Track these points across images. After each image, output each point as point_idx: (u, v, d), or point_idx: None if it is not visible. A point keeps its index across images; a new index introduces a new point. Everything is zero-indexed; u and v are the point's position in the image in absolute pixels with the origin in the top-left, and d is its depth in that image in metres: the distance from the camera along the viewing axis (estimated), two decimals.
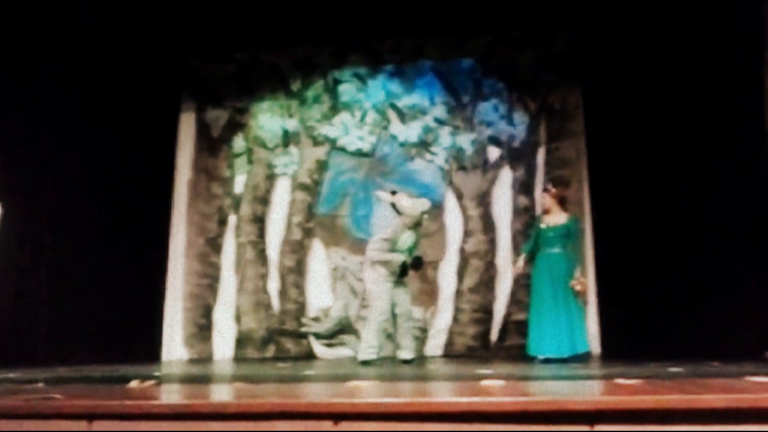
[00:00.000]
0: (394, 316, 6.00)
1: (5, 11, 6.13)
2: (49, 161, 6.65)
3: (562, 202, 6.11)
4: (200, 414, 2.49)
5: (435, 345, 7.56)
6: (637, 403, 2.32)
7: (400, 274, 5.96)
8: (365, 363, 5.71)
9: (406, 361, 5.87)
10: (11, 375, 4.32)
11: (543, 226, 6.01)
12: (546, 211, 6.09)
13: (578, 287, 5.79)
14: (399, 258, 5.91)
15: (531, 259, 6.10)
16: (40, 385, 3.43)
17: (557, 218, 6.01)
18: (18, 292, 6.30)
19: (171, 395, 2.93)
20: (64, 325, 6.69)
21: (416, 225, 6.09)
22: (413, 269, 6.13)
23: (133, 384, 3.33)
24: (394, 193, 6.18)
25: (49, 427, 2.57)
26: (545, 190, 6.23)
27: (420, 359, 6.53)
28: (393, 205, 6.08)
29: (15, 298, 6.26)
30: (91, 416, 2.54)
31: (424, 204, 6.12)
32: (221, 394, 2.99)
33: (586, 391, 2.79)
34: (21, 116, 6.35)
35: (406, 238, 6.02)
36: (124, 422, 2.51)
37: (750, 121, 5.54)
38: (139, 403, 2.54)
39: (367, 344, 5.85)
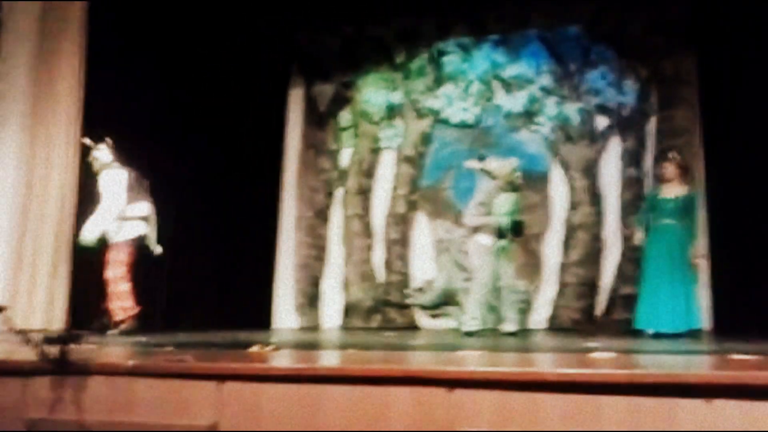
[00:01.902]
0: (498, 288, 6.01)
1: None
2: (163, 140, 7.00)
3: (685, 173, 5.92)
4: (321, 377, 2.63)
5: (539, 318, 7.52)
6: (756, 379, 2.28)
7: (498, 238, 5.89)
8: (469, 334, 5.77)
9: (509, 334, 5.88)
10: (143, 339, 4.65)
11: (662, 196, 5.85)
12: (667, 181, 5.91)
13: (698, 261, 5.64)
14: (496, 221, 5.88)
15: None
16: (170, 348, 3.67)
17: (678, 189, 5.83)
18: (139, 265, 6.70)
19: (291, 360, 3.10)
20: (181, 295, 7.06)
21: (511, 187, 6.02)
22: (514, 234, 5.96)
23: (255, 349, 3.53)
24: (482, 158, 6.15)
25: (183, 387, 2.78)
26: (668, 159, 6.03)
27: (524, 332, 6.53)
28: (484, 171, 6.06)
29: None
30: (221, 377, 2.73)
31: (512, 162, 6.06)
32: (338, 359, 3.13)
33: (702, 365, 2.76)
34: (136, 100, 6.69)
35: (503, 202, 5.95)
36: (251, 383, 2.68)
37: None
38: (265, 366, 2.71)
39: (471, 316, 5.90)
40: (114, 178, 5.64)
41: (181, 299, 7.05)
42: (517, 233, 6.02)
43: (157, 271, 7.00)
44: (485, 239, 5.89)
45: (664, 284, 5.61)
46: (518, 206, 6.16)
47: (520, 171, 6.15)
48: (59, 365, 2.89)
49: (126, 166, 5.76)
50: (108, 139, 5.81)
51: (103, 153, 5.76)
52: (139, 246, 5.71)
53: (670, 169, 5.91)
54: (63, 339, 3.04)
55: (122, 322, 5.45)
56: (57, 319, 6.01)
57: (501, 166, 6.00)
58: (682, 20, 7.54)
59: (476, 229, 5.93)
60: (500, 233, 5.87)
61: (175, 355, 3.19)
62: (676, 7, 7.57)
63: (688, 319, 5.53)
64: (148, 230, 5.78)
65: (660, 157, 7.01)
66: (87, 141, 5.87)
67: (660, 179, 6.19)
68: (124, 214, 5.60)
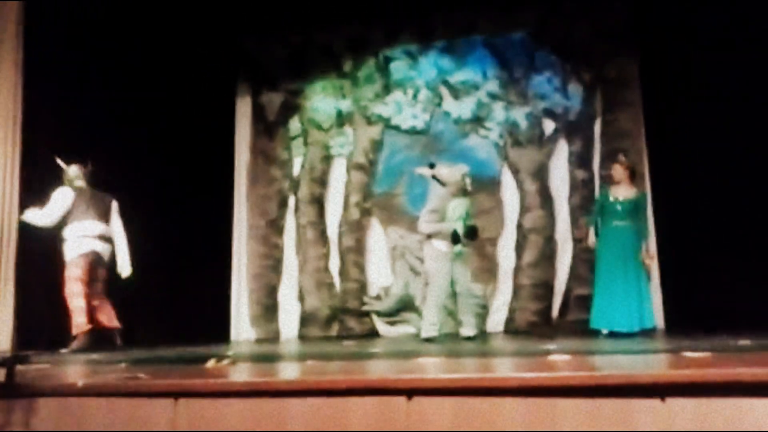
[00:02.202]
0: (454, 293, 6.03)
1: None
2: (109, 151, 6.81)
3: (632, 175, 6.03)
4: (279, 391, 2.59)
5: (496, 321, 7.59)
6: (710, 376, 2.32)
7: (453, 243, 5.88)
8: (428, 340, 5.78)
9: (468, 338, 5.90)
10: (94, 356, 4.53)
11: (612, 198, 5.95)
12: (615, 183, 6.01)
13: (649, 261, 5.75)
14: (450, 227, 5.92)
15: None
16: (123, 365, 3.59)
17: (627, 191, 5.93)
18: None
19: (249, 374, 3.05)
20: (134, 311, 6.89)
21: (462, 192, 6.04)
22: (468, 239, 5.94)
23: (210, 363, 3.46)
24: (432, 165, 6.17)
25: (137, 406, 2.71)
26: (617, 161, 6.13)
27: (482, 335, 6.57)
28: (435, 178, 6.08)
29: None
30: (176, 395, 2.67)
31: (462, 168, 6.09)
32: (296, 372, 3.10)
33: (656, 364, 2.80)
34: (78, 110, 6.54)
35: (455, 207, 5.95)
36: (208, 399, 2.63)
37: None
38: (222, 381, 2.66)
39: (429, 322, 5.90)
40: (60, 193, 5.57)
41: (134, 314, 6.88)
42: (471, 238, 6.02)
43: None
44: (440, 245, 5.90)
45: (618, 284, 5.70)
46: (471, 211, 6.18)
47: (470, 176, 6.17)
48: (6, 388, 2.80)
49: (89, 187, 5.80)
50: (89, 163, 5.90)
51: (72, 171, 5.81)
52: (96, 262, 5.61)
53: (618, 171, 6.01)
54: (10, 360, 2.94)
55: (74, 338, 5.34)
56: (3, 340, 5.81)
57: (451, 172, 6.01)
58: (623, 26, 7.73)
59: (431, 235, 5.94)
60: (455, 238, 5.88)
61: (129, 372, 3.11)
62: (617, 13, 7.76)
63: (641, 318, 5.63)
64: (110, 249, 5.73)
65: (607, 159, 7.16)
66: (59, 162, 5.87)
67: (609, 181, 6.30)
68: (71, 231, 5.52)
